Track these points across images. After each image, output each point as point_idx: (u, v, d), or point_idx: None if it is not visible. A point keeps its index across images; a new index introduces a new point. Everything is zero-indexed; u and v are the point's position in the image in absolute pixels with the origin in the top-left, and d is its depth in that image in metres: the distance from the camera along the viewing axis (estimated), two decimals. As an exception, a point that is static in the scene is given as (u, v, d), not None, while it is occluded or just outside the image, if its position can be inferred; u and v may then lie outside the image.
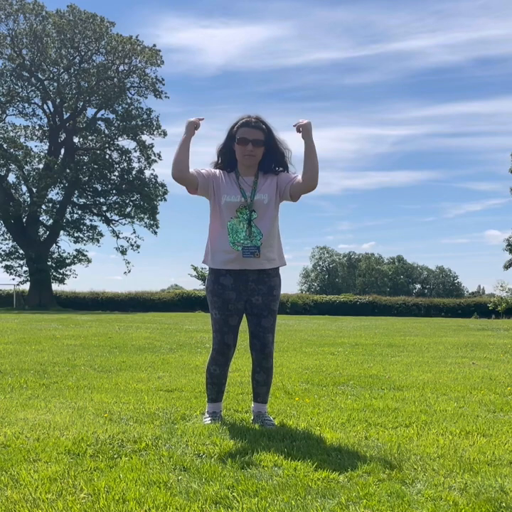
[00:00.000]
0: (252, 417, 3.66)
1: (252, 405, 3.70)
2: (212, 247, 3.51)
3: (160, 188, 36.36)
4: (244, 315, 3.59)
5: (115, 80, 35.22)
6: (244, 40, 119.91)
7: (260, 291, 3.51)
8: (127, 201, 36.48)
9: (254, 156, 3.45)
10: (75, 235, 36.53)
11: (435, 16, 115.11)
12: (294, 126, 3.45)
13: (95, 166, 35.69)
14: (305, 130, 3.39)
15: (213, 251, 3.50)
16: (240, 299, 3.50)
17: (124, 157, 36.28)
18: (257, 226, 3.44)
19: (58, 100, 34.80)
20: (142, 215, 36.28)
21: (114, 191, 36.62)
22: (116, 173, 36.65)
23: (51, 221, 35.43)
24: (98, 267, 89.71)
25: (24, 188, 35.57)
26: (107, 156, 36.17)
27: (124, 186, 35.90)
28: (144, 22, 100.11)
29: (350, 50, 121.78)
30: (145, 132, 35.77)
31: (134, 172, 36.26)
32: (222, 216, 3.46)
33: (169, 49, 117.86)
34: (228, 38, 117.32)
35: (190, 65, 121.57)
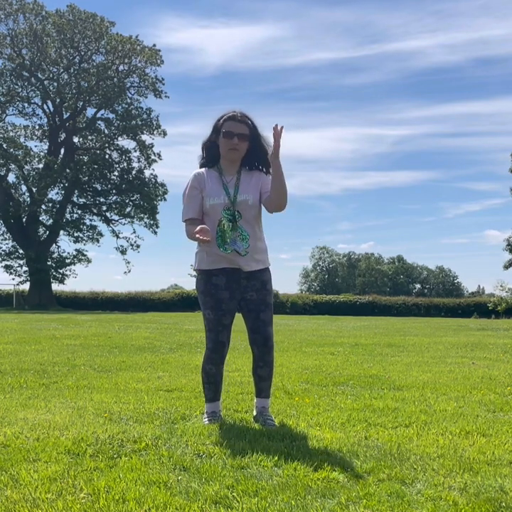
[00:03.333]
0: (255, 413, 3.65)
1: (255, 401, 3.68)
2: (201, 249, 3.52)
3: (160, 187, 36.38)
4: (235, 314, 3.58)
5: (115, 79, 35.22)
6: (243, 40, 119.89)
7: (253, 286, 3.51)
8: (127, 201, 36.48)
9: (239, 150, 3.46)
10: (75, 234, 36.53)
11: (435, 15, 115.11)
12: (276, 133, 3.26)
13: (95, 166, 35.68)
14: (276, 150, 3.29)
15: (203, 253, 3.50)
16: (233, 298, 3.49)
17: (123, 157, 36.29)
18: (243, 227, 3.45)
19: (58, 100, 34.80)
20: (142, 215, 36.29)
21: (114, 191, 36.63)
22: (116, 173, 36.67)
23: (51, 221, 35.44)
24: (98, 267, 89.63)
25: (24, 188, 35.61)
26: (107, 156, 36.18)
27: (123, 186, 35.90)
28: (144, 22, 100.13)
29: (350, 50, 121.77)
30: (145, 132, 35.77)
31: (133, 172, 36.26)
32: (210, 219, 3.47)
33: (169, 49, 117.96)
34: (228, 38, 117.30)
35: (190, 65, 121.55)
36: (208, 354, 3.55)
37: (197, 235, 3.19)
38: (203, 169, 3.58)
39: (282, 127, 3.28)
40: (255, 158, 3.54)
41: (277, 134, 3.27)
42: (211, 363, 3.55)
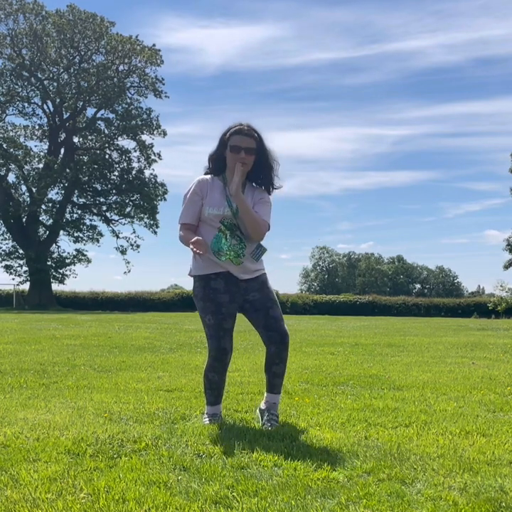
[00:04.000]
0: (262, 407, 3.60)
1: (265, 395, 3.63)
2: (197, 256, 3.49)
3: (160, 187, 36.38)
4: (238, 318, 3.55)
5: (115, 79, 35.22)
6: (243, 40, 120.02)
7: (253, 287, 3.50)
8: (127, 201, 36.48)
9: (246, 164, 3.45)
10: (75, 234, 36.54)
11: (435, 16, 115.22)
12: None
13: (95, 166, 35.68)
14: (235, 186, 3.36)
15: (200, 259, 3.47)
16: (232, 301, 3.46)
17: (123, 157, 36.29)
18: (241, 237, 3.45)
19: (58, 100, 34.80)
20: (142, 215, 36.29)
21: (114, 191, 36.63)
22: (116, 173, 36.66)
23: (51, 221, 35.45)
24: (98, 267, 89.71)
25: (24, 188, 35.62)
26: (107, 156, 36.18)
27: (123, 186, 35.90)
28: (144, 22, 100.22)
29: (350, 50, 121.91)
30: (145, 132, 35.77)
31: (133, 172, 36.26)
32: (206, 227, 3.47)
33: (169, 49, 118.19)
34: (227, 38, 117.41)
35: (190, 65, 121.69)
36: (211, 362, 3.49)
37: (191, 247, 3.21)
38: (208, 176, 3.56)
39: (241, 165, 3.40)
40: (261, 172, 3.54)
41: (237, 170, 3.37)
42: (214, 371, 3.50)
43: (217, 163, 3.56)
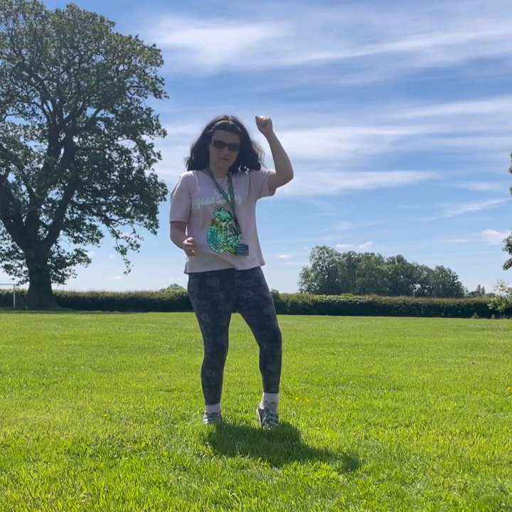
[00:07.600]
0: (262, 407, 3.59)
1: (263, 395, 3.62)
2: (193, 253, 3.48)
3: (160, 187, 36.35)
4: (231, 315, 3.54)
5: (115, 79, 35.19)
6: (241, 40, 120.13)
7: (248, 285, 3.49)
8: (127, 201, 36.46)
9: (229, 159, 3.46)
10: (75, 234, 36.54)
11: (432, 16, 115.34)
12: (260, 121, 3.39)
13: (95, 166, 35.67)
14: (269, 126, 3.39)
15: (195, 256, 3.42)
16: (228, 298, 3.47)
17: (123, 157, 36.27)
18: (235, 227, 3.45)
19: (58, 100, 34.79)
20: (142, 215, 36.27)
21: (113, 191, 36.61)
22: (116, 173, 36.64)
23: (51, 221, 35.45)
24: (98, 267, 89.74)
25: (24, 188, 35.60)
26: (107, 156, 36.16)
27: (123, 186, 35.88)
28: (142, 22, 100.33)
29: (348, 51, 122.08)
30: (145, 132, 35.75)
31: (133, 172, 36.23)
32: (199, 221, 3.47)
33: (167, 49, 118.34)
34: (225, 38, 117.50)
35: (188, 65, 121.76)
36: (208, 359, 3.50)
37: (184, 247, 3.23)
38: (191, 172, 3.57)
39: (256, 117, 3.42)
40: (245, 163, 3.56)
41: (262, 119, 3.40)
42: (211, 368, 3.51)
43: (199, 155, 3.55)
